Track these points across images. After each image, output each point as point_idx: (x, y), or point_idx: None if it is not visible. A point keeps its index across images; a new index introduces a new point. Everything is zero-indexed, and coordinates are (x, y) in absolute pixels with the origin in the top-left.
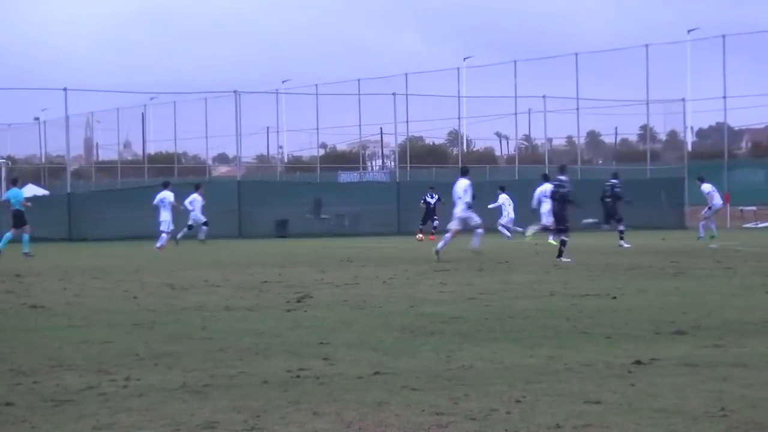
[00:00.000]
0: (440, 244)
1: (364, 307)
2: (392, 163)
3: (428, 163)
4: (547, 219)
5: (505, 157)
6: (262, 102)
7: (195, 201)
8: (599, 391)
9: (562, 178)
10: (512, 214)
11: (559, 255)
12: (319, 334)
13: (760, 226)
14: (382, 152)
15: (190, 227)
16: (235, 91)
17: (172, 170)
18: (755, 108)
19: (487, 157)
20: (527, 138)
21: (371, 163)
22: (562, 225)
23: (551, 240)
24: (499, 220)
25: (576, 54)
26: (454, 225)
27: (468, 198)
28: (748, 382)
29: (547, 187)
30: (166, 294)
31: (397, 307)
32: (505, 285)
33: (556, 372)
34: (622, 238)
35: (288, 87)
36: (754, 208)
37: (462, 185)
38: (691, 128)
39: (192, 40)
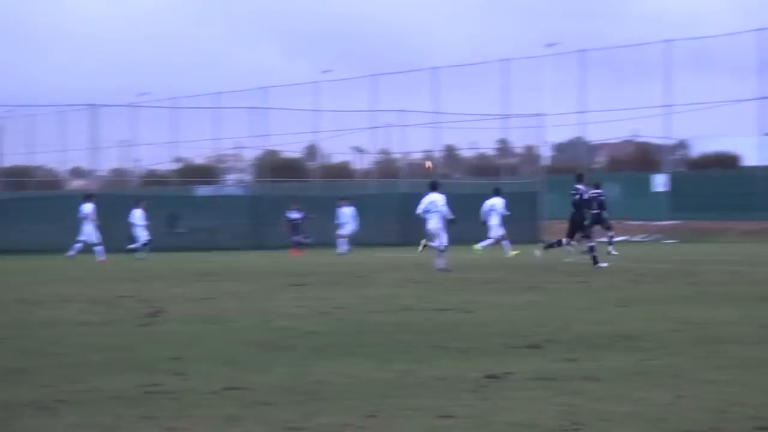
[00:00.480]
0: (439, 262)
1: (218, 322)
2: (249, 177)
3: (285, 176)
4: (497, 233)
5: (361, 171)
6: (119, 115)
7: (137, 216)
8: (452, 405)
9: (580, 187)
10: (355, 227)
11: (595, 262)
12: (172, 349)
13: (615, 240)
14: (239, 166)
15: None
16: (91, 105)
17: (25, 184)
18: (612, 122)
19: (343, 170)
20: (385, 152)
21: (228, 177)
22: (582, 232)
23: (510, 254)
24: (339, 231)
25: (434, 68)
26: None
27: (446, 211)
28: (599, 395)
29: (496, 201)
30: (18, 309)
31: (252, 322)
32: (361, 299)
33: (410, 386)
34: (611, 244)
35: (146, 100)
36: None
37: (442, 199)
38: (550, 142)
39: (47, 51)
